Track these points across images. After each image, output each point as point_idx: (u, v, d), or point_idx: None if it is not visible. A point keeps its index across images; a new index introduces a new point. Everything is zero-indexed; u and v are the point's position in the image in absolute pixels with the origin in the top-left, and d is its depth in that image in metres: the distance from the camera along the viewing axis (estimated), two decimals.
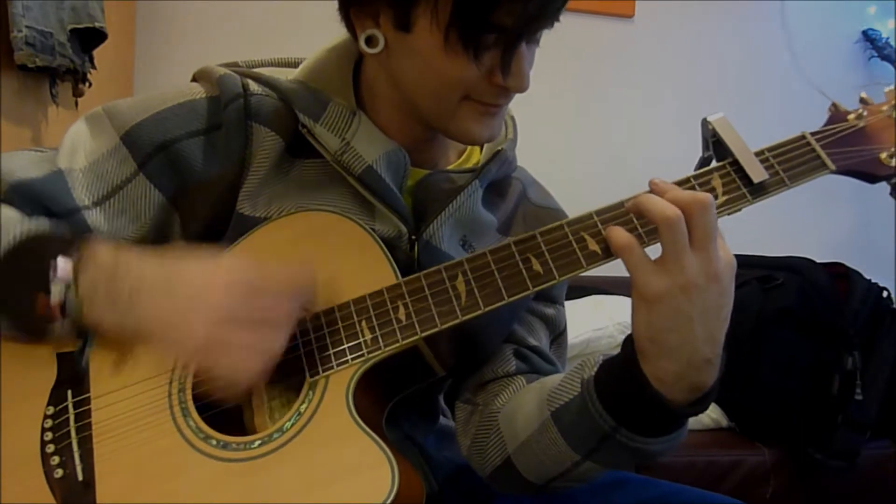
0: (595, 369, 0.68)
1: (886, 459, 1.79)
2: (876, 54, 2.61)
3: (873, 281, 1.84)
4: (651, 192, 0.65)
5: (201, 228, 0.76)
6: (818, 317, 1.73)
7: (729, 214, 0.69)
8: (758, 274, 1.82)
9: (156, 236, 0.76)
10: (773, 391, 1.73)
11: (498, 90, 0.70)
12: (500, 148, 0.83)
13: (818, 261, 1.85)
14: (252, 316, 0.62)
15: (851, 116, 0.75)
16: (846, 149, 0.73)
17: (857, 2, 2.65)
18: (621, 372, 0.65)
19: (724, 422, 1.83)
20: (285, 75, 0.78)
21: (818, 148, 0.72)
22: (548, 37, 0.72)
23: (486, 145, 0.83)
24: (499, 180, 0.85)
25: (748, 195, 0.70)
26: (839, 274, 1.84)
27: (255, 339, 0.62)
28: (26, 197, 0.70)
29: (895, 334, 1.78)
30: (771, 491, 1.71)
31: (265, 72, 0.78)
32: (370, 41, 0.71)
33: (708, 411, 1.85)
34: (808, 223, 2.54)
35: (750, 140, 0.72)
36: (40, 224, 0.68)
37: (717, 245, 0.62)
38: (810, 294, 1.74)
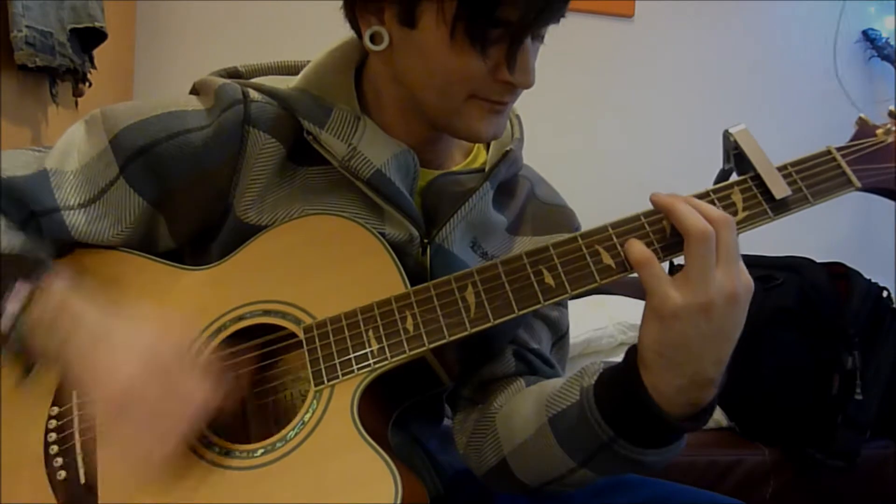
0: (595, 377, 0.68)
1: (886, 459, 1.79)
2: (876, 54, 2.61)
3: (873, 281, 1.84)
4: (659, 204, 0.64)
5: (190, 230, 0.76)
6: (818, 317, 1.73)
7: (749, 230, 0.67)
8: (758, 274, 1.81)
9: (142, 238, 0.76)
10: (773, 391, 1.72)
11: (503, 87, 0.70)
12: (508, 148, 0.82)
13: (818, 261, 1.84)
14: (155, 403, 0.62)
15: (880, 132, 0.71)
16: (873, 166, 0.69)
17: (857, 2, 2.64)
18: (621, 382, 0.65)
19: (724, 422, 1.83)
20: (286, 84, 0.77)
21: (844, 164, 0.69)
22: (547, 37, 0.72)
23: (493, 146, 0.83)
24: (507, 180, 0.85)
25: (769, 211, 0.67)
26: (839, 274, 1.83)
27: (152, 423, 0.62)
28: (10, 195, 0.72)
29: (895, 334, 1.78)
30: (771, 491, 1.70)
31: (266, 81, 0.77)
32: (374, 38, 0.70)
33: None
34: (808, 223, 2.53)
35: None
36: (12, 241, 0.69)
37: (739, 267, 0.61)
38: (810, 294, 1.74)
